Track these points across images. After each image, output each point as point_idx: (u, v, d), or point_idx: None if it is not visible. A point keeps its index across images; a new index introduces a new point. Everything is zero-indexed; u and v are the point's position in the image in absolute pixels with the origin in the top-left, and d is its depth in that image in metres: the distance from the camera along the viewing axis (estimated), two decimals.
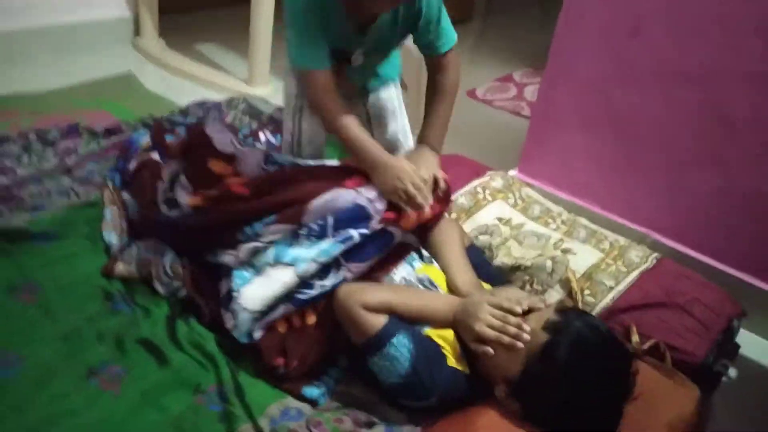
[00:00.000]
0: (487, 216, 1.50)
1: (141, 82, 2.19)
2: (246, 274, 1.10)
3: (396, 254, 1.18)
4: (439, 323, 1.07)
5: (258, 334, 1.08)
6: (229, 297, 1.10)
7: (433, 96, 1.27)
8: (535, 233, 1.45)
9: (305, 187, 1.08)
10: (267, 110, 2.04)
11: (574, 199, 1.69)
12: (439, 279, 1.20)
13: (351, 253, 1.08)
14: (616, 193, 1.62)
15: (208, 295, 1.15)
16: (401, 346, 1.00)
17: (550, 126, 1.68)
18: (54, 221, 1.38)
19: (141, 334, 1.13)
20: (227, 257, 1.12)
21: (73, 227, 1.38)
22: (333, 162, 1.22)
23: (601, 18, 1.47)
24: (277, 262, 1.07)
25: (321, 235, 1.06)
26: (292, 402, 1.09)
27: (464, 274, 1.19)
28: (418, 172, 1.12)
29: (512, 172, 1.78)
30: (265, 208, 1.08)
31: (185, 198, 1.17)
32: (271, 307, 1.07)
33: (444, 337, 1.07)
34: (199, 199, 1.13)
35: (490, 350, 1.01)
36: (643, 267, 1.37)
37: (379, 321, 1.01)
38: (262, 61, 2.29)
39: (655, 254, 1.42)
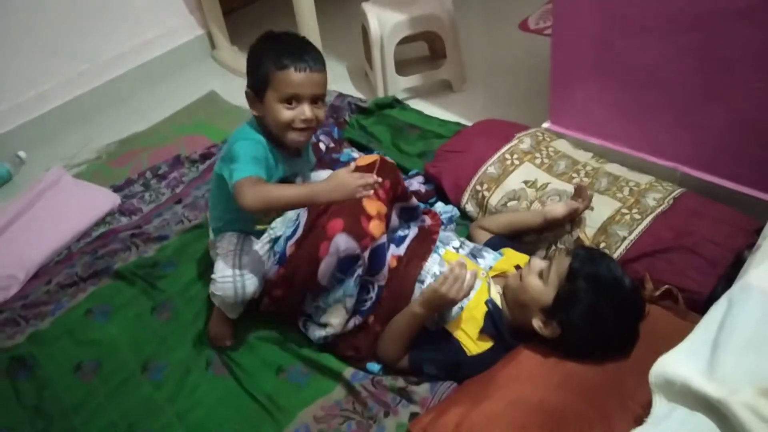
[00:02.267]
0: (514, 181, 1.65)
1: (224, 98, 2.50)
2: (315, 319, 1.42)
3: (423, 250, 1.44)
4: (431, 321, 1.33)
5: (332, 339, 1.41)
6: (305, 327, 1.45)
7: None
8: (557, 192, 1.59)
9: (305, 269, 1.33)
10: (328, 99, 2.30)
11: (604, 143, 1.77)
12: (468, 262, 1.41)
13: (369, 271, 1.36)
14: (639, 134, 1.68)
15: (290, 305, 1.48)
16: (429, 369, 1.33)
17: (567, 78, 1.75)
18: (175, 249, 1.77)
19: (238, 334, 1.51)
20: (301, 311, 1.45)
21: (190, 250, 1.76)
22: (302, 224, 1.38)
23: None
24: (326, 305, 1.37)
25: (342, 280, 1.34)
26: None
27: (527, 213, 1.54)
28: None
29: (546, 125, 1.89)
30: (300, 293, 1.39)
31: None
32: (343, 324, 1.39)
33: (462, 327, 1.32)
34: (264, 305, 1.48)
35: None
36: (659, 210, 1.47)
37: (405, 362, 1.37)
38: None
39: (675, 193, 1.51)
